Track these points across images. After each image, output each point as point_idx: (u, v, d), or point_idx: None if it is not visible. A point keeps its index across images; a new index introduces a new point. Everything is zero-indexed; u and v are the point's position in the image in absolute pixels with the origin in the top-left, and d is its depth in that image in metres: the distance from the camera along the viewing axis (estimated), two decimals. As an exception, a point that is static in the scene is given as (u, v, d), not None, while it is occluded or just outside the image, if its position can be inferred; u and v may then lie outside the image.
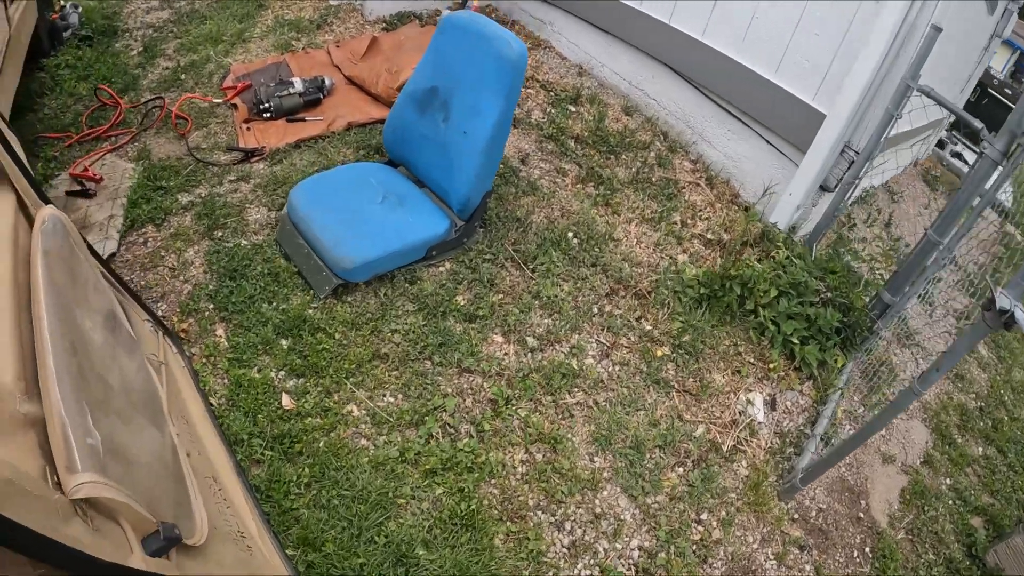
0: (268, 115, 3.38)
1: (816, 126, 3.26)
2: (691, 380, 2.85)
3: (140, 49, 4.09)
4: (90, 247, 1.99)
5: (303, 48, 4.05)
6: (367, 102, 3.55)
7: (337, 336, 2.50)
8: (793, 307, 3.05)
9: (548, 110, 3.88)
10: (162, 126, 3.42)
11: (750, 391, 2.97)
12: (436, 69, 2.64)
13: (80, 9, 4.20)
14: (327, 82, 3.54)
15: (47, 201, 1.79)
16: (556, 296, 2.83)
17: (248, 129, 3.28)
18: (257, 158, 3.18)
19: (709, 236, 3.48)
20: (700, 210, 3.62)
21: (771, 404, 3.03)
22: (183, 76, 3.80)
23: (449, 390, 2.49)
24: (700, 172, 3.86)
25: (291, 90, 3.42)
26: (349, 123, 3.38)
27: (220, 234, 2.80)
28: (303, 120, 3.37)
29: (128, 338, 1.89)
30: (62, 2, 4.20)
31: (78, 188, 2.99)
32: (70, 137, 3.36)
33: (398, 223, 2.61)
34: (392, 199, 2.72)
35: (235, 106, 3.44)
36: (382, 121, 3.45)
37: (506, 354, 2.64)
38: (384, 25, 4.34)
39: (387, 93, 3.43)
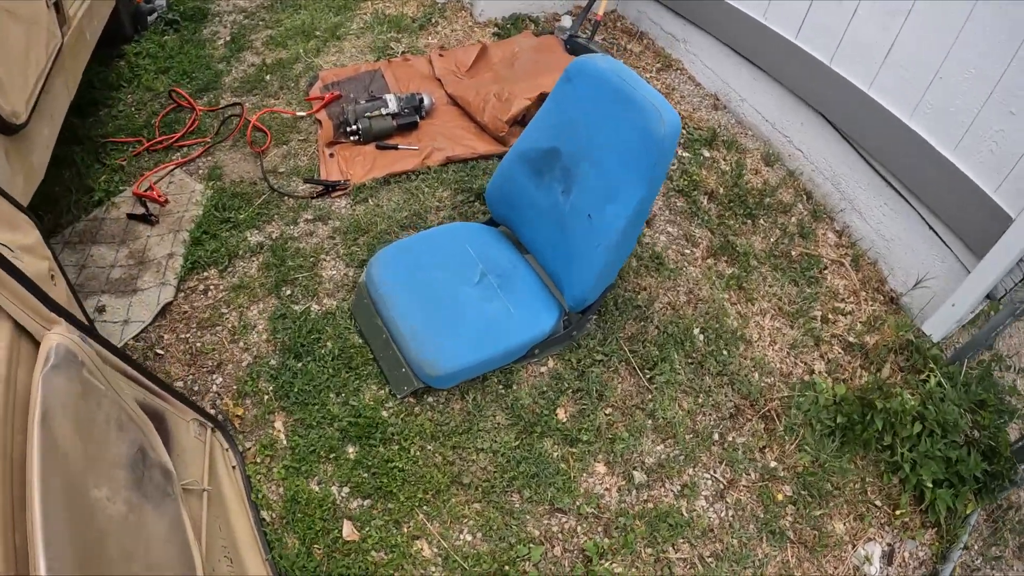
0: (355, 138, 2.92)
1: (995, 224, 2.52)
2: (809, 529, 2.30)
3: (227, 39, 3.69)
4: (123, 354, 1.60)
5: (402, 53, 3.53)
6: (470, 131, 3.02)
7: (413, 450, 2.05)
8: (935, 448, 2.44)
9: (680, 153, 3.27)
10: (239, 138, 3.04)
11: (870, 540, 2.39)
12: (559, 127, 2.09)
13: None
14: (425, 102, 3.04)
15: (59, 312, 1.39)
16: (673, 418, 2.30)
17: (331, 156, 2.82)
18: (339, 192, 2.75)
19: (851, 339, 2.84)
20: (843, 299, 2.97)
21: (888, 558, 2.44)
22: (268, 77, 3.39)
23: (537, 533, 2.02)
24: (845, 248, 3.18)
25: (384, 110, 2.93)
26: (448, 158, 2.86)
27: (288, 292, 2.39)
28: (395, 148, 2.88)
29: (160, 480, 1.50)
30: None
31: (140, 213, 2.65)
32: (140, 143, 3.03)
33: (497, 317, 2.11)
34: (492, 279, 2.23)
35: (319, 122, 3.01)
36: (487, 157, 2.95)
37: (607, 489, 2.14)
38: (495, 29, 3.76)
39: (494, 125, 2.90)
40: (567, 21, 3.83)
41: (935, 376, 2.57)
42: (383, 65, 3.29)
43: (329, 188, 2.70)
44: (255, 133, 3.02)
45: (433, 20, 3.70)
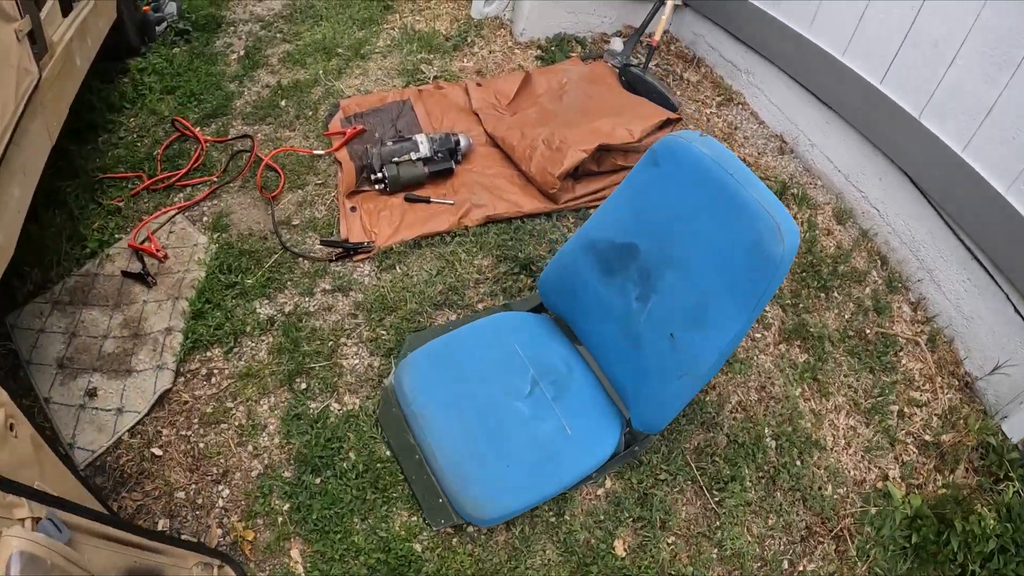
0: (381, 187, 2.55)
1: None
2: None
3: (241, 54, 3.29)
4: (106, 516, 1.29)
5: (434, 79, 3.12)
6: (514, 182, 2.63)
7: (449, 598, 1.76)
8: (1009, 568, 2.16)
9: (739, 209, 2.90)
10: (249, 177, 2.68)
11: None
12: (639, 219, 1.71)
13: None
14: (462, 143, 2.65)
15: (18, 490, 1.08)
16: (742, 547, 1.99)
17: (353, 210, 2.45)
18: (362, 256, 2.39)
19: (927, 437, 2.53)
20: (918, 387, 2.63)
21: None
22: (283, 102, 3.00)
23: None
24: (921, 324, 2.83)
25: (414, 154, 2.55)
26: (488, 217, 2.48)
27: (304, 385, 2.06)
28: (427, 201, 2.51)
29: None
30: None
31: (136, 272, 2.30)
32: (139, 180, 2.67)
33: (553, 442, 1.74)
34: (545, 387, 1.87)
35: (339, 164, 2.62)
36: (535, 216, 2.57)
37: (672, 640, 1.86)
38: (538, 52, 3.34)
39: (543, 178, 2.51)
40: (617, 44, 3.42)
41: (1013, 485, 2.27)
42: (413, 95, 2.90)
43: (350, 251, 2.35)
44: (267, 172, 2.67)
45: (468, 39, 3.29)
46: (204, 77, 3.15)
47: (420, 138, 2.57)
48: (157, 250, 2.38)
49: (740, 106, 3.34)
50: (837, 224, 2.95)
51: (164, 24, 3.40)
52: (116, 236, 2.47)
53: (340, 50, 3.24)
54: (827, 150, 3.10)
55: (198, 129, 2.88)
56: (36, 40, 2.06)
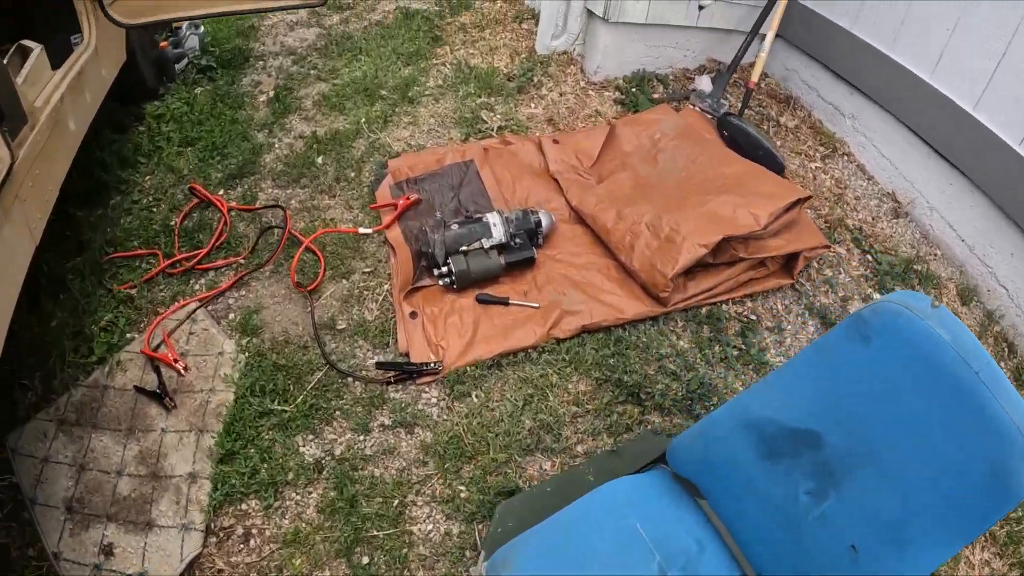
0: (446, 282, 2.08)
1: None
2: None
3: (270, 95, 2.83)
4: None
5: (499, 131, 2.60)
6: (611, 276, 2.12)
7: None
8: None
9: (867, 292, 2.41)
10: (282, 261, 2.24)
11: None
12: (828, 405, 1.22)
13: (202, 30, 2.95)
14: (544, 223, 2.14)
15: None
16: None
17: (413, 316, 1.97)
18: (427, 378, 1.93)
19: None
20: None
21: None
22: (320, 159, 2.52)
23: None
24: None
25: (485, 241, 2.05)
26: (584, 327, 1.99)
27: (366, 558, 1.58)
28: (505, 303, 2.02)
29: None
30: (179, 24, 2.98)
31: (151, 391, 1.87)
32: (154, 259, 2.23)
33: None
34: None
35: (392, 249, 2.14)
36: (640, 321, 2.07)
37: None
38: (616, 94, 2.82)
39: (651, 277, 2.00)
40: (705, 83, 2.91)
41: None
42: (476, 154, 2.39)
43: (412, 374, 1.91)
44: (304, 253, 2.21)
45: (534, 78, 2.78)
46: (228, 125, 2.69)
47: (492, 218, 2.08)
48: (175, 360, 1.95)
49: (845, 157, 2.81)
50: (961, 305, 2.44)
51: (185, 61, 2.95)
52: (127, 335, 2.04)
53: (384, 92, 2.76)
54: (949, 215, 2.56)
55: (221, 195, 2.43)
56: (8, 114, 1.61)
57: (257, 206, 2.37)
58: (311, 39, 3.12)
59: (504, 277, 2.08)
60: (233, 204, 2.40)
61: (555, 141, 2.43)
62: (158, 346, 2.01)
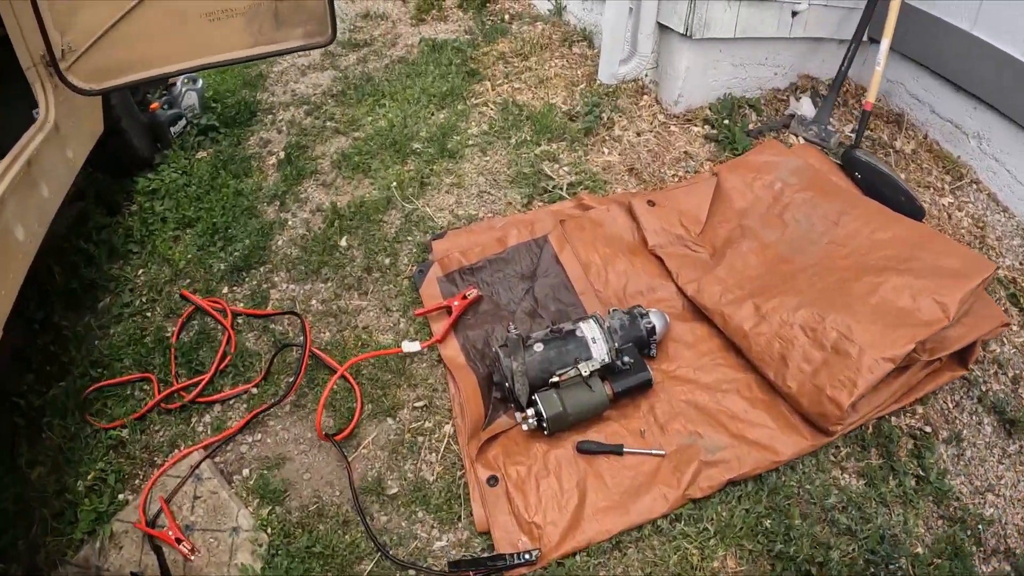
0: (532, 424, 1.36)
1: None
2: None
3: (280, 157, 2.16)
4: None
5: (568, 188, 1.87)
6: (753, 397, 1.42)
7: None
8: None
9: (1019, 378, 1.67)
10: (307, 385, 1.56)
11: None
12: None
13: (201, 85, 2.31)
14: (657, 327, 1.44)
15: None
16: None
17: (493, 482, 1.27)
18: (522, 571, 1.25)
19: None
20: None
21: None
22: (344, 240, 1.84)
23: None
24: None
25: (583, 365, 1.34)
26: (730, 479, 1.30)
27: None
28: (618, 452, 1.32)
29: None
30: (172, 81, 2.30)
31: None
32: (147, 387, 1.59)
33: None
34: None
35: (451, 376, 1.44)
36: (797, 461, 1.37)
37: None
38: (706, 128, 2.08)
39: (813, 401, 1.31)
40: (806, 106, 2.18)
41: None
42: (550, 226, 1.68)
43: (499, 569, 1.20)
44: (338, 384, 1.52)
45: (603, 116, 2.07)
46: (232, 199, 2.03)
47: (589, 330, 1.40)
48: (178, 538, 1.29)
49: (972, 186, 2.08)
50: None
51: (182, 122, 2.27)
52: (119, 497, 1.41)
53: (417, 144, 2.08)
54: None
55: (224, 294, 1.78)
56: None
57: (268, 311, 1.68)
58: (326, 84, 2.43)
59: (609, 412, 1.39)
60: (239, 308, 1.74)
61: (650, 203, 1.74)
62: (156, 516, 1.36)
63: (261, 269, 1.89)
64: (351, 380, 1.54)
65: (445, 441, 1.45)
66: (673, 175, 1.97)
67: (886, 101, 2.43)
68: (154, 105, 2.36)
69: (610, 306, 1.55)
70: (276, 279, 1.86)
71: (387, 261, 1.78)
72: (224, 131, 2.39)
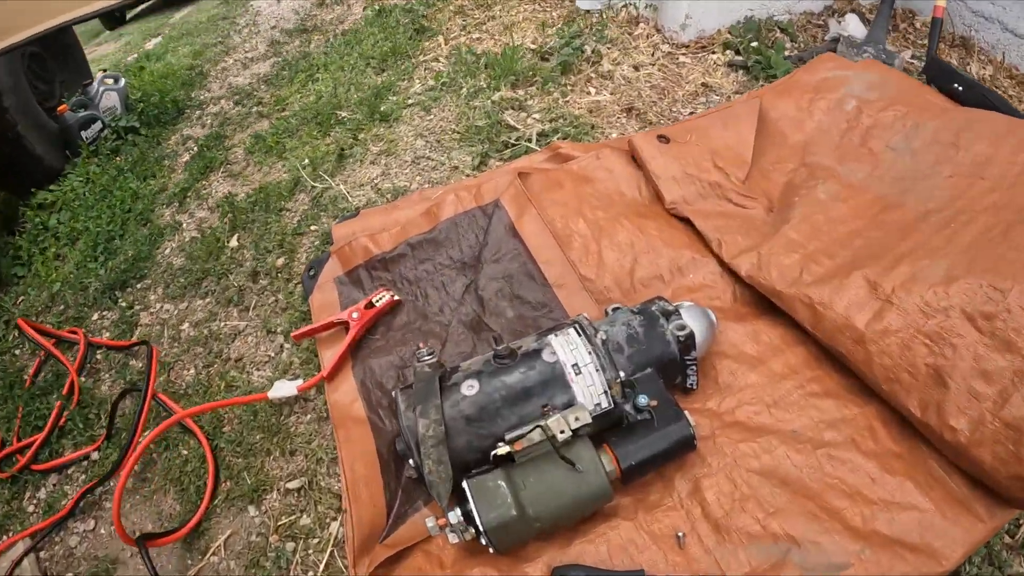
0: (469, 534, 0.58)
1: None
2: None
3: (194, 152, 1.51)
4: None
5: (538, 138, 1.12)
6: (888, 459, 0.64)
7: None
8: None
9: None
10: (153, 453, 0.88)
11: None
12: None
13: (123, 84, 1.69)
14: (697, 334, 0.66)
15: None
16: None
17: None
18: None
19: None
20: None
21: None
22: (234, 240, 1.14)
23: None
24: None
25: (555, 411, 0.60)
26: None
27: None
28: None
29: None
30: (89, 81, 1.73)
31: None
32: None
33: None
34: None
35: (338, 432, 0.72)
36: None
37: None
38: (731, 55, 1.30)
39: (1003, 455, 0.58)
40: (853, 25, 1.40)
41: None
42: (506, 187, 0.91)
43: None
44: (187, 441, 0.84)
45: (585, 49, 1.33)
46: (127, 204, 1.38)
47: (566, 348, 0.63)
48: None
49: None
50: None
51: (97, 125, 1.67)
52: None
53: (344, 113, 1.39)
54: None
55: (95, 320, 1.12)
56: None
57: (117, 342, 1.03)
58: (264, 71, 1.79)
59: (620, 495, 0.63)
60: (97, 339, 1.07)
61: (662, 139, 0.95)
62: None
63: (139, 285, 1.23)
64: (201, 437, 0.83)
65: (328, 551, 0.71)
66: (691, 113, 1.19)
67: (948, 22, 1.67)
68: (62, 107, 1.77)
69: (608, 304, 0.78)
70: (152, 298, 1.18)
71: (280, 261, 1.05)
72: (145, 132, 1.78)
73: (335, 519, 0.73)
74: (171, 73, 2.01)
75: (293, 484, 0.77)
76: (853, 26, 1.52)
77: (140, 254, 1.28)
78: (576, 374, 0.62)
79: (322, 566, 0.70)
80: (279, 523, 0.75)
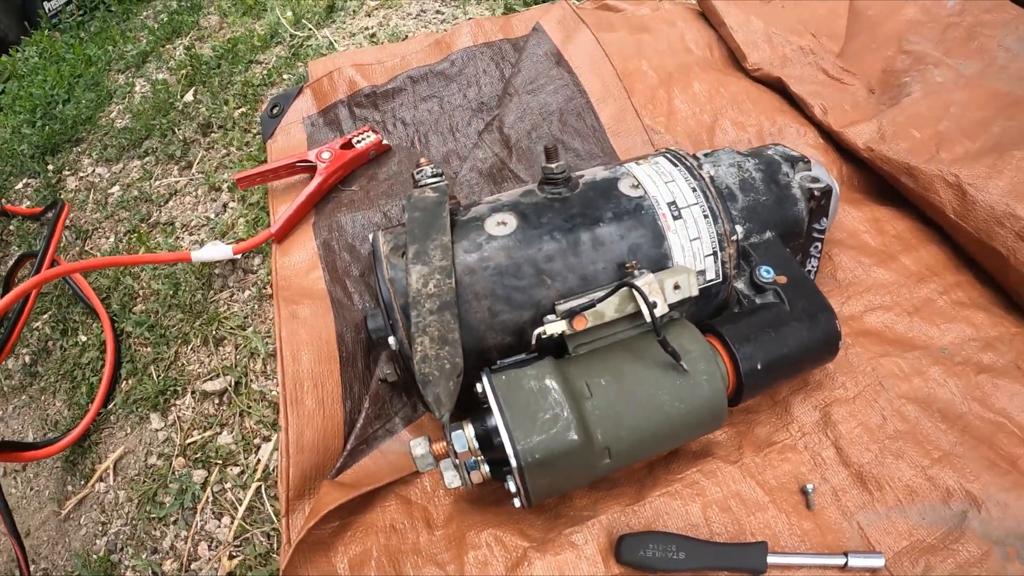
0: (483, 473, 0.29)
1: None
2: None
3: (164, 19, 1.00)
4: None
5: None
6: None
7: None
8: None
9: None
10: (54, 332, 0.52)
11: None
12: None
13: None
14: (835, 191, 0.36)
15: None
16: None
17: None
18: None
19: None
20: None
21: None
22: (191, 95, 0.73)
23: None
24: None
25: (639, 271, 0.30)
26: None
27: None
28: (756, 572, 0.29)
29: None
30: None
31: None
32: None
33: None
34: None
35: (281, 310, 0.41)
36: None
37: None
38: None
39: None
40: None
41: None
42: (541, 13, 0.55)
43: None
44: (88, 324, 0.50)
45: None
46: (79, 69, 0.96)
47: (655, 178, 0.33)
48: None
49: None
50: None
51: (61, -4, 1.22)
52: None
53: None
54: None
55: (16, 190, 0.77)
56: None
57: (34, 209, 0.68)
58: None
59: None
60: (11, 207, 0.71)
61: None
62: None
63: (76, 149, 0.86)
64: (104, 319, 0.48)
65: (254, 487, 0.39)
66: None
67: None
68: None
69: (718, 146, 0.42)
70: (85, 162, 0.81)
71: (238, 113, 0.68)
72: (116, 8, 1.37)
73: (268, 439, 0.41)
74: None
75: (213, 385, 0.44)
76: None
77: (82, 117, 0.89)
78: (675, 218, 0.31)
79: (242, 507, 0.38)
80: (189, 440, 0.44)
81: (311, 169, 0.51)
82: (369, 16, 0.84)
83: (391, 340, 0.31)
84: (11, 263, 0.64)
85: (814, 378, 0.38)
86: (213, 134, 0.71)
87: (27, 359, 0.58)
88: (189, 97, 0.81)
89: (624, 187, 0.33)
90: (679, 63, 0.55)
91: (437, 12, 0.82)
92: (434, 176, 0.33)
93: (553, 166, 0.32)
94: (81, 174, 0.81)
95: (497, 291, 0.30)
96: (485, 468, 0.28)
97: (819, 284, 0.43)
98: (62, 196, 0.78)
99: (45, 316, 0.60)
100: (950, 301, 0.44)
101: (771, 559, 0.30)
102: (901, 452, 0.34)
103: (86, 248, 0.68)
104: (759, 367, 0.31)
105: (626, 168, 0.34)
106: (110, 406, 0.50)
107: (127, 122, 0.86)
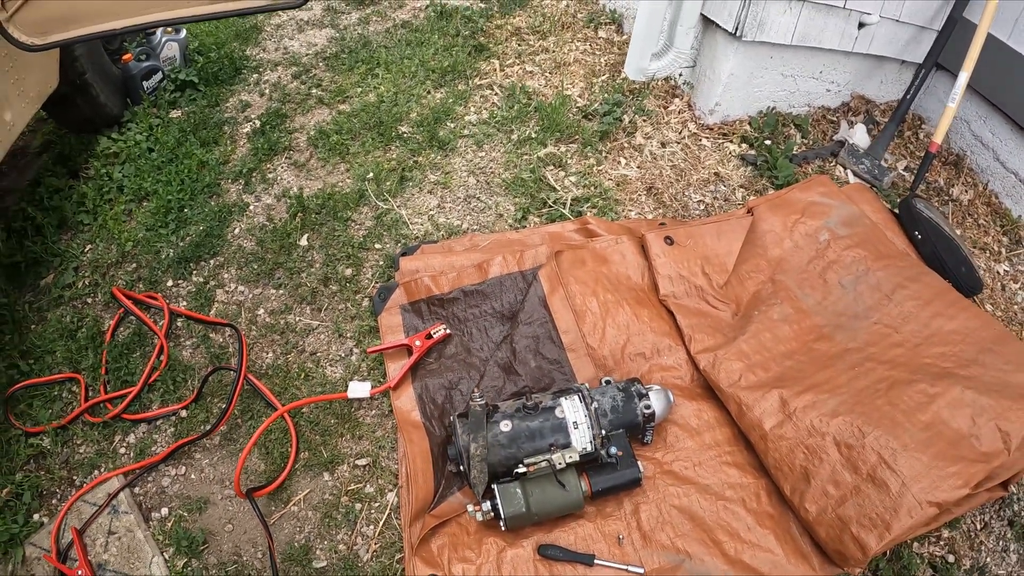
0: (491, 515, 0.97)
1: None
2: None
3: (256, 126, 1.75)
4: None
5: (571, 205, 1.43)
6: (763, 516, 1.03)
7: None
8: None
9: None
10: (241, 416, 1.22)
11: None
12: None
13: (183, 36, 1.89)
14: (657, 411, 1.03)
15: None
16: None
17: None
18: None
19: None
20: None
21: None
22: (304, 240, 1.45)
23: None
24: None
25: (558, 449, 0.97)
26: None
27: None
28: (588, 563, 0.96)
29: None
30: (153, 30, 1.89)
31: None
32: (76, 389, 1.27)
33: None
34: None
35: (403, 434, 1.08)
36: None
37: None
38: (743, 148, 1.61)
39: (833, 537, 0.94)
40: (859, 135, 1.74)
41: None
42: (543, 257, 1.26)
43: None
44: (274, 422, 1.14)
45: (624, 118, 1.61)
46: (194, 173, 1.64)
47: (572, 410, 1.01)
48: None
49: None
50: None
51: (158, 76, 1.86)
52: (36, 518, 1.15)
53: (405, 128, 1.65)
54: None
55: (169, 287, 1.42)
56: None
57: (207, 317, 1.34)
58: (321, 44, 1.99)
59: (587, 505, 1.03)
60: (179, 308, 1.37)
61: (668, 240, 1.30)
62: (69, 548, 1.11)
63: (211, 262, 1.50)
64: (289, 422, 1.18)
65: (387, 513, 1.09)
66: (699, 201, 1.52)
67: (946, 139, 1.96)
68: (127, 56, 1.92)
69: (605, 368, 1.16)
70: (225, 276, 1.47)
71: (348, 272, 1.38)
72: (203, 88, 1.95)
73: (391, 491, 1.12)
74: (225, 23, 2.14)
75: (361, 461, 1.15)
76: (859, 135, 1.82)
77: (211, 230, 1.55)
78: (575, 428, 1.01)
79: (381, 523, 1.10)
80: (348, 488, 1.13)
81: (409, 347, 1.15)
82: (431, 193, 1.49)
83: (460, 465, 0.98)
84: (207, 374, 1.28)
85: (636, 491, 1.04)
86: (332, 287, 1.36)
87: (223, 433, 1.23)
88: (304, 242, 1.46)
89: (557, 412, 1.02)
90: (617, 296, 1.24)
91: (477, 199, 1.50)
92: (480, 399, 1.00)
93: (529, 403, 0.98)
94: (226, 288, 1.46)
95: (502, 452, 0.99)
96: (491, 514, 0.97)
97: (654, 444, 1.12)
98: (215, 307, 1.45)
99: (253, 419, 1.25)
100: (721, 461, 1.12)
101: (597, 562, 0.97)
102: (663, 529, 1.03)
103: (250, 358, 1.33)
104: (600, 489, 1.00)
105: (560, 401, 1.03)
106: (295, 467, 1.15)
107: (253, 247, 1.51)
